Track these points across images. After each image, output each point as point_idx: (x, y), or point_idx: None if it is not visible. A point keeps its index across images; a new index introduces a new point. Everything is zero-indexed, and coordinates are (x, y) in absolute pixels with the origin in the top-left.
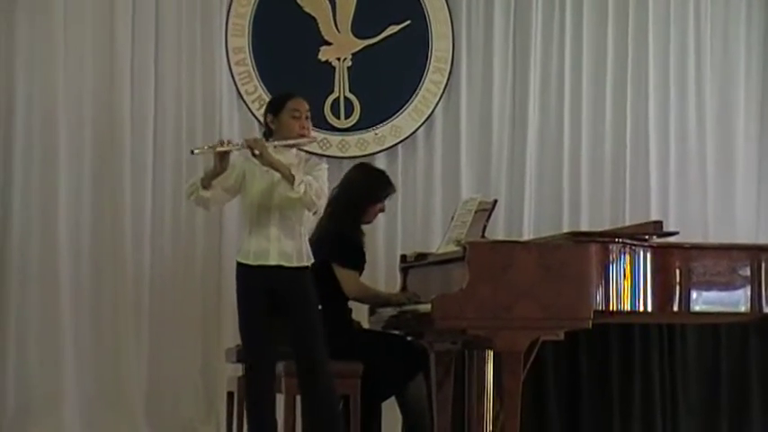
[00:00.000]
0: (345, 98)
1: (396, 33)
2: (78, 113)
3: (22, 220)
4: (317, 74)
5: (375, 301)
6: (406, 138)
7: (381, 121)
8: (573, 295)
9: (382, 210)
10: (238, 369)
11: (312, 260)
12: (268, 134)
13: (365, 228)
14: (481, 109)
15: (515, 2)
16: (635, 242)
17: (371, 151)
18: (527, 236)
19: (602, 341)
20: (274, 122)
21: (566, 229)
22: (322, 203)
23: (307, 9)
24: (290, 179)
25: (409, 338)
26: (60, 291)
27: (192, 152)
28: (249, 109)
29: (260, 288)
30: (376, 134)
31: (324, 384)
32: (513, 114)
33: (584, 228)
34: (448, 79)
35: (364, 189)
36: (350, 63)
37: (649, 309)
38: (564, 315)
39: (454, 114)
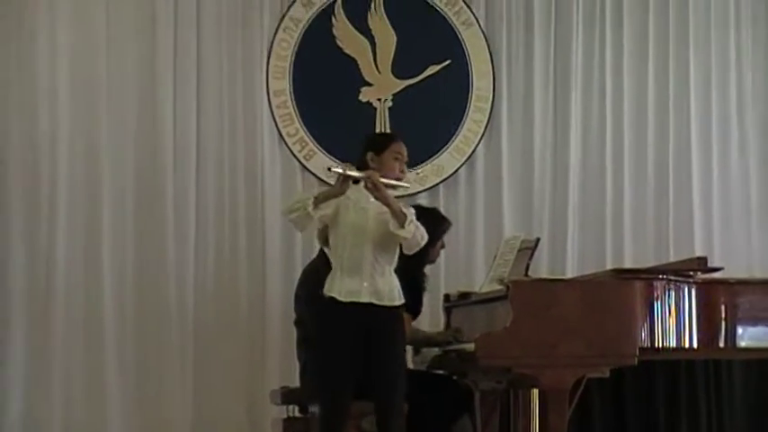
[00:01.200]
0: None
1: (436, 73)
2: (121, 158)
3: (67, 264)
4: (358, 114)
5: (422, 343)
6: (448, 177)
7: (423, 161)
8: (618, 332)
9: (443, 246)
10: (283, 411)
11: (403, 300)
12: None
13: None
14: (522, 146)
15: (555, 39)
16: (680, 278)
17: (414, 191)
18: (570, 273)
19: (647, 378)
20: (375, 161)
21: (609, 266)
22: (422, 246)
23: (347, 51)
24: (401, 217)
25: (454, 378)
26: (105, 335)
27: (330, 169)
28: (290, 150)
29: (349, 326)
30: (418, 174)
31: (399, 428)
32: (555, 151)
33: (628, 264)
34: (489, 118)
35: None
36: (391, 103)
37: (695, 345)
38: (609, 352)
39: (495, 152)
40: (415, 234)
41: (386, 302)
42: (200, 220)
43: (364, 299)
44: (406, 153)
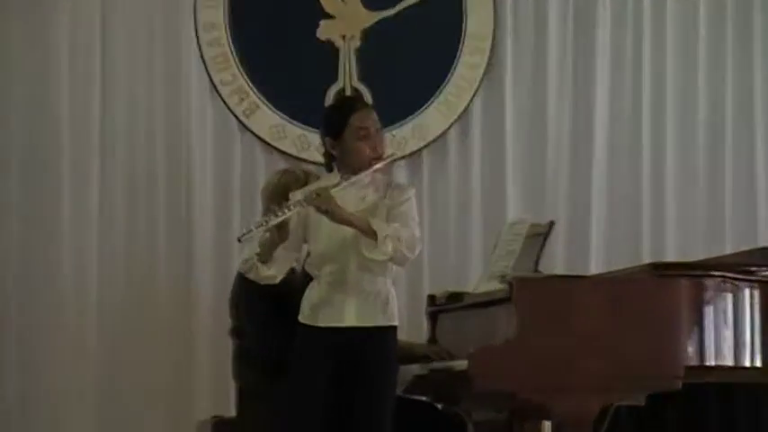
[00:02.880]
0: (353, 89)
1: (418, 3)
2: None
3: None
4: (314, 57)
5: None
6: (434, 140)
7: (400, 119)
8: (656, 347)
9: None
10: None
11: (396, 321)
12: (329, 163)
13: None
14: (533, 101)
15: None
16: (739, 276)
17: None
18: (594, 269)
19: (696, 406)
20: (336, 148)
21: (646, 260)
22: (417, 252)
23: None
24: (372, 236)
25: (439, 406)
26: None
27: (240, 240)
28: (226, 104)
29: (326, 355)
30: (393, 136)
31: None
32: (575, 107)
33: (671, 257)
34: (488, 62)
35: None
36: (358, 43)
37: (758, 363)
38: (645, 373)
39: (496, 108)
40: (397, 249)
41: (377, 322)
42: (104, 199)
43: (348, 321)
44: (374, 120)
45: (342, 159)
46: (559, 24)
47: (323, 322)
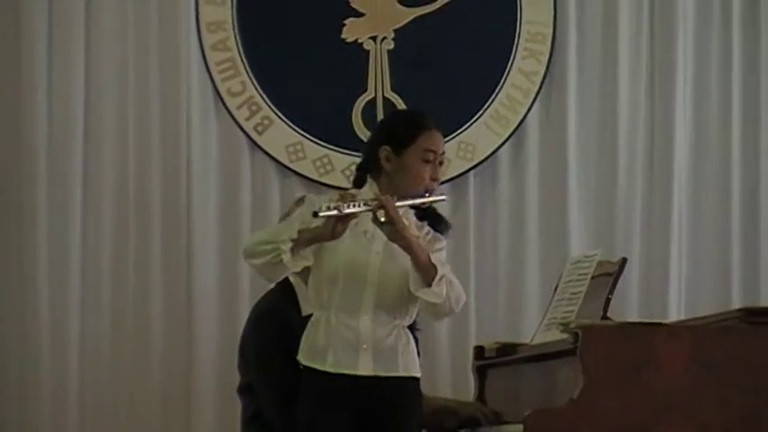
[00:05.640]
0: (385, 99)
1: None
2: None
3: None
4: (340, 62)
5: (437, 419)
6: (483, 161)
7: (443, 136)
8: (754, 410)
9: None
10: None
11: (419, 372)
12: (362, 176)
13: None
14: (601, 114)
15: None
16: None
17: (429, 198)
18: (675, 315)
19: None
20: (392, 161)
21: (737, 304)
22: (458, 310)
23: None
24: (428, 271)
25: None
26: None
27: (316, 214)
28: (233, 118)
29: (342, 409)
30: None
31: None
32: (652, 122)
33: (767, 302)
34: (547, 68)
35: None
36: (391, 45)
37: None
38: None
39: (557, 123)
40: (448, 297)
41: (398, 372)
42: (87, 234)
43: (363, 370)
44: (442, 148)
45: (393, 176)
46: (633, 21)
47: (332, 367)
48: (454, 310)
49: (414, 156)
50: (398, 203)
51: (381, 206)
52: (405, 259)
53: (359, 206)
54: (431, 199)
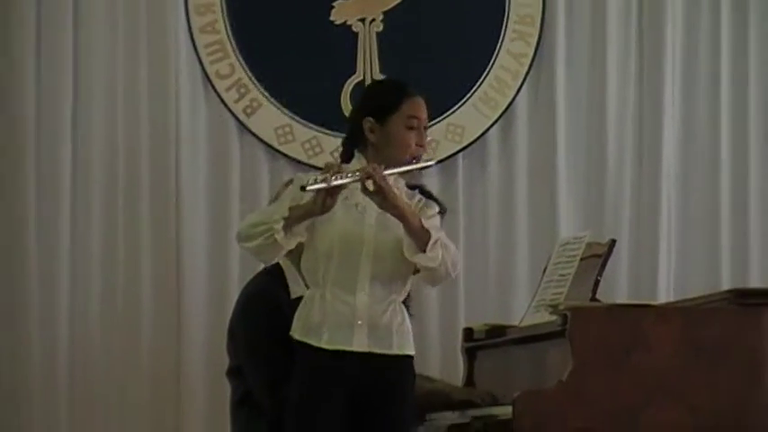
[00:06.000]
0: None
1: None
2: None
3: None
4: (329, 44)
5: (429, 403)
6: (472, 143)
7: (432, 119)
8: (743, 392)
9: None
10: None
11: (413, 350)
12: (350, 150)
13: None
14: (590, 97)
15: None
16: None
17: (416, 164)
18: (665, 297)
19: None
20: (376, 131)
21: (726, 286)
22: (455, 274)
23: None
24: (421, 236)
25: None
26: None
27: (305, 189)
28: (222, 101)
29: (334, 389)
30: None
31: None
32: (641, 105)
33: (756, 283)
34: (536, 50)
35: None
36: (381, 27)
37: None
38: (729, 422)
39: (546, 106)
40: (444, 261)
41: (392, 350)
42: (77, 219)
43: (358, 346)
44: (425, 114)
45: (380, 147)
46: (622, 2)
47: (328, 344)
48: (450, 274)
49: (398, 123)
50: (386, 172)
51: (369, 176)
52: (398, 229)
53: (347, 177)
54: (419, 165)
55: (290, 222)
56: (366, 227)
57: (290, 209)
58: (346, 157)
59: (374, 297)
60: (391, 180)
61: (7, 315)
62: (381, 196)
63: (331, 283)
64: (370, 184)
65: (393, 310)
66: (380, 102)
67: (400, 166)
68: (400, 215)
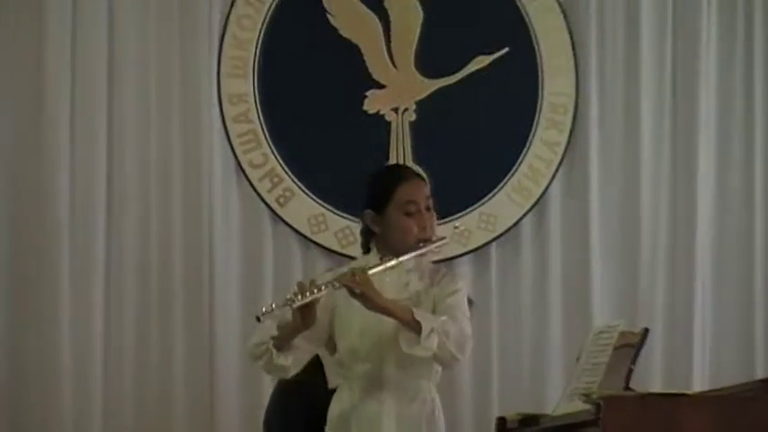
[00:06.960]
0: None
1: (485, 68)
2: None
3: None
4: (361, 133)
5: None
6: (505, 232)
7: (464, 207)
8: None
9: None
10: None
11: None
12: (366, 242)
13: None
14: (624, 185)
15: (673, 17)
16: None
17: (450, 255)
18: (699, 385)
19: None
20: (378, 224)
21: (760, 375)
22: (467, 354)
23: (345, 33)
24: (414, 328)
25: None
26: None
27: (259, 319)
28: (255, 190)
29: None
30: (456, 228)
31: None
32: (674, 187)
33: None
34: (569, 139)
35: None
36: (413, 116)
37: None
38: None
39: (580, 194)
40: (444, 347)
41: None
42: (110, 298)
43: None
44: (426, 196)
45: (383, 237)
46: (654, 92)
47: None
48: (456, 357)
49: (395, 212)
50: (386, 265)
51: (346, 285)
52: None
53: (314, 292)
54: (430, 246)
55: (281, 341)
56: (385, 322)
57: (279, 328)
58: (365, 248)
59: (401, 389)
60: (411, 264)
61: (41, 401)
62: (364, 300)
63: (357, 377)
64: (356, 288)
65: (422, 400)
66: (376, 192)
67: (409, 252)
68: (388, 314)
